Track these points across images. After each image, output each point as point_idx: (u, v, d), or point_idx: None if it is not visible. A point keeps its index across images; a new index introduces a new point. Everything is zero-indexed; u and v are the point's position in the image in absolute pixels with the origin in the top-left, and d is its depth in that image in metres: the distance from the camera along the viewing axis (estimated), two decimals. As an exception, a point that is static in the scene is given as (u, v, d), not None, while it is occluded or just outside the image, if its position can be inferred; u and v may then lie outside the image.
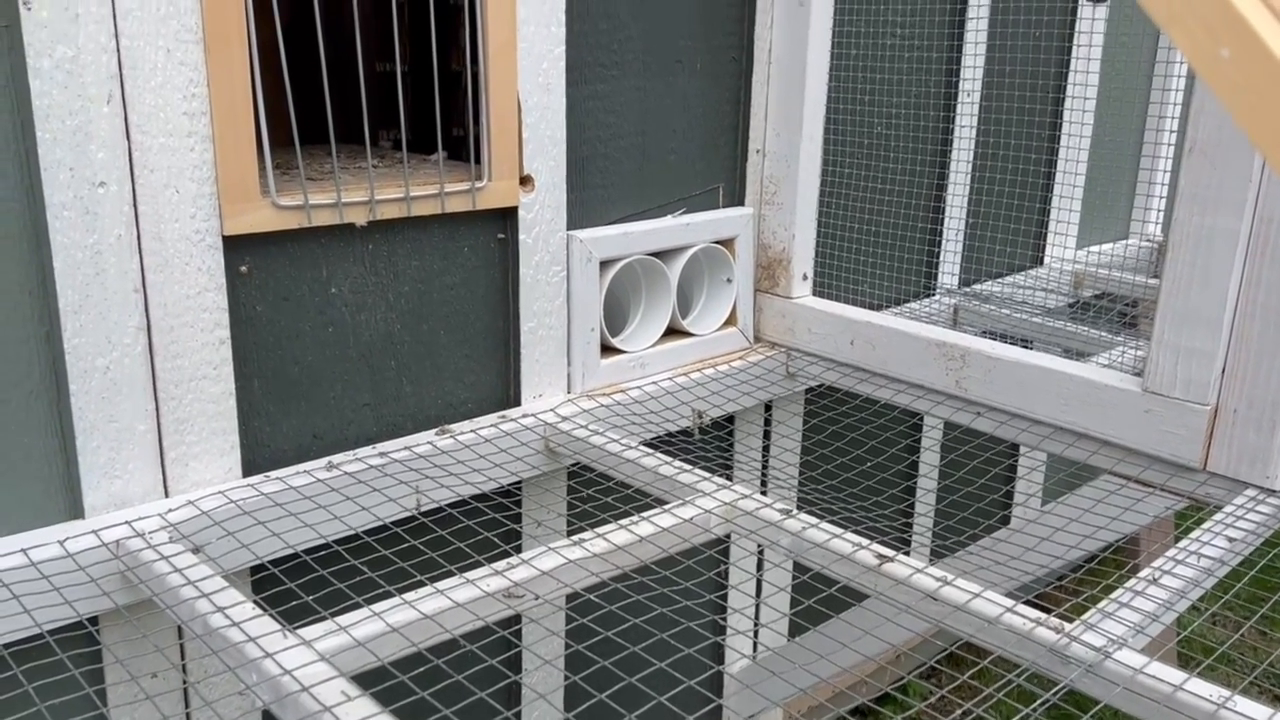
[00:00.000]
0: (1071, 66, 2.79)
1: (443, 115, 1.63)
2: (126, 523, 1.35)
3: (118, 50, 1.27)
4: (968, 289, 2.70)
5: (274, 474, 1.52)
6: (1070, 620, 1.26)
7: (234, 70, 1.37)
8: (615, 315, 2.02)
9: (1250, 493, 1.59)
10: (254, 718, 1.54)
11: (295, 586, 1.34)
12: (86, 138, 1.26)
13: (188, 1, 1.31)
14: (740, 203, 2.14)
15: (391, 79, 1.76)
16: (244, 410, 1.49)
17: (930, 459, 2.77)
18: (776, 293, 2.16)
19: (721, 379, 2.05)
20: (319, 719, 1.02)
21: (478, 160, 1.67)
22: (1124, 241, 3.30)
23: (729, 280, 2.12)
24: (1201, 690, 1.13)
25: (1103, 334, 2.33)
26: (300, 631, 1.15)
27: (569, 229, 1.81)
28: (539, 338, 1.81)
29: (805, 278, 2.16)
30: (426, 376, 1.71)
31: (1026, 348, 1.97)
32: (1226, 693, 1.13)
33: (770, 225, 2.14)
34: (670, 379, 1.99)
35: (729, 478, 2.07)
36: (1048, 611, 1.27)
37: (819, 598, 1.38)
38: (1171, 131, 3.11)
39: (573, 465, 1.83)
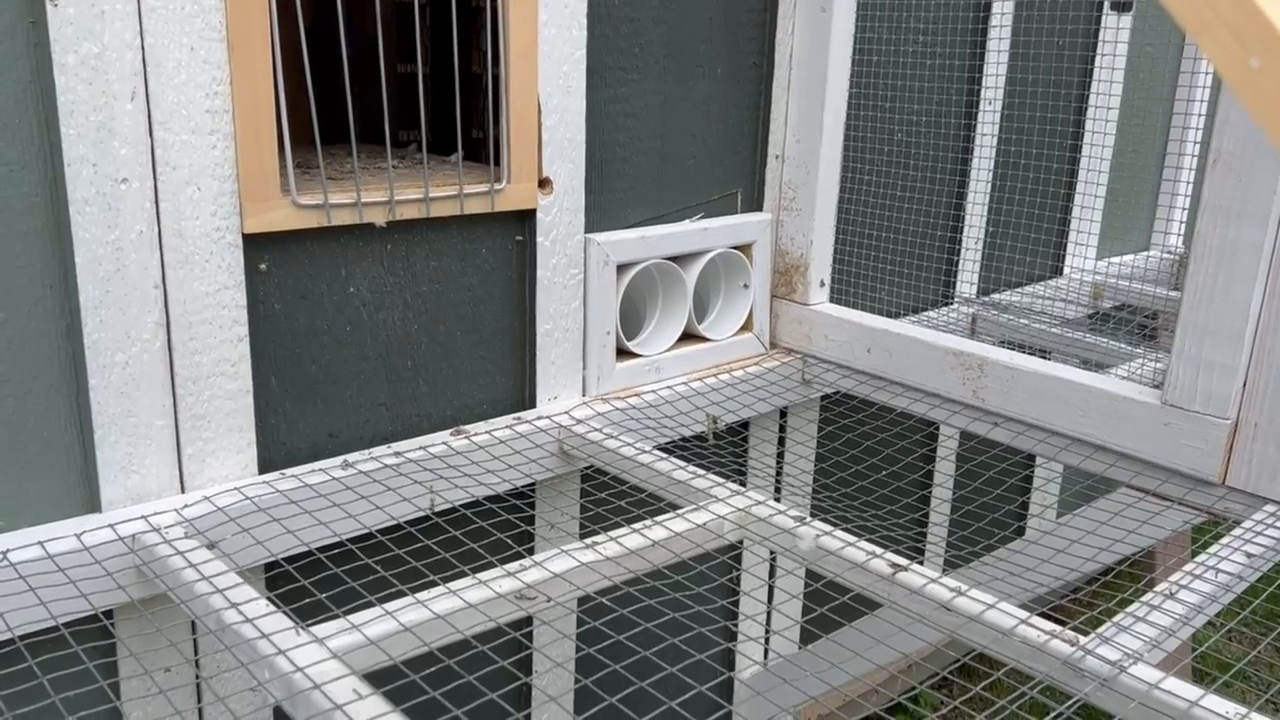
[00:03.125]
0: (1095, 76, 2.77)
1: (463, 117, 1.64)
2: (143, 517, 1.36)
3: (142, 47, 1.28)
4: (986, 298, 2.69)
5: (290, 471, 1.52)
6: (1085, 634, 1.25)
7: (257, 69, 1.37)
8: (631, 319, 2.02)
9: (1270, 508, 1.58)
10: (265, 714, 1.54)
11: (309, 584, 1.34)
12: (110, 134, 1.27)
13: (212, 0, 1.32)
14: (759, 208, 2.14)
15: (412, 81, 1.76)
16: (261, 408, 1.50)
17: (945, 468, 2.75)
18: (793, 299, 2.16)
19: (737, 384, 2.05)
20: (330, 717, 1.02)
21: (497, 162, 1.68)
22: (1144, 253, 3.28)
23: (746, 286, 2.12)
24: (1217, 707, 1.12)
25: (1122, 346, 2.31)
26: (313, 629, 1.15)
27: (587, 232, 1.82)
28: (555, 340, 1.82)
29: (823, 284, 2.15)
30: (442, 377, 1.71)
31: (1044, 358, 1.95)
32: (1243, 710, 1.12)
33: (788, 231, 2.14)
34: (685, 383, 1.99)
35: (743, 484, 2.07)
36: (1062, 624, 1.26)
37: (831, 605, 1.37)
38: (1195, 143, 3.09)
39: (586, 468, 1.83)
